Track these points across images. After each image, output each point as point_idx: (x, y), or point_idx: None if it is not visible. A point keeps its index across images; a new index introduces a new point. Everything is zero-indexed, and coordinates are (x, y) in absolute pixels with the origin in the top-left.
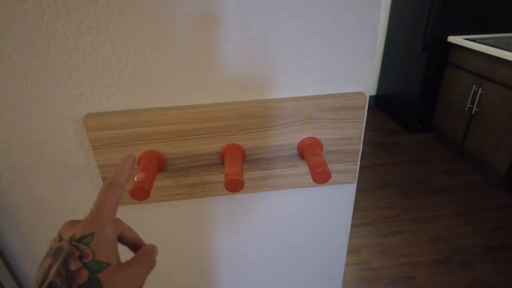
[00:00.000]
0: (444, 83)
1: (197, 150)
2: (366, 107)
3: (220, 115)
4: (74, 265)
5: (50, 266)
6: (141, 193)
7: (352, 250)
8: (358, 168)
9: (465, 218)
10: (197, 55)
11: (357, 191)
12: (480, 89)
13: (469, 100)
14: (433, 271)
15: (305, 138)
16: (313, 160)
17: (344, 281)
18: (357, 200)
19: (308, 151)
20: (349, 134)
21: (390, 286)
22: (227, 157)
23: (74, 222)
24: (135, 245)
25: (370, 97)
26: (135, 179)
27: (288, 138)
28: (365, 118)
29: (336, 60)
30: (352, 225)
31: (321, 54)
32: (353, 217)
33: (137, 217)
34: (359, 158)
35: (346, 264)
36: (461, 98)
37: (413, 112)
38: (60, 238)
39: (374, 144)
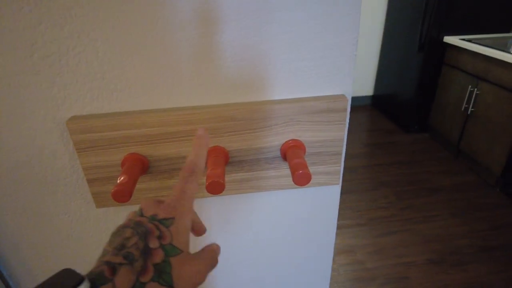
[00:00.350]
0: (440, 83)
1: (180, 152)
2: (348, 110)
3: (203, 118)
4: (152, 243)
5: (129, 237)
6: (122, 196)
7: (347, 250)
8: (341, 169)
9: (460, 218)
10: (179, 58)
11: (353, 191)
12: (476, 89)
13: (465, 100)
14: (427, 271)
15: (288, 140)
16: (294, 162)
17: (339, 281)
18: (352, 200)
19: (290, 153)
20: (331, 136)
21: (384, 286)
22: (209, 160)
23: (157, 202)
24: (200, 233)
25: (367, 97)
26: (118, 181)
27: (271, 140)
28: (348, 120)
29: (318, 63)
30: (348, 225)
31: (302, 58)
32: (349, 217)
33: (122, 219)
34: (343, 160)
35: (341, 264)
36: (457, 98)
37: (409, 112)
38: (141, 214)
39: (371, 144)
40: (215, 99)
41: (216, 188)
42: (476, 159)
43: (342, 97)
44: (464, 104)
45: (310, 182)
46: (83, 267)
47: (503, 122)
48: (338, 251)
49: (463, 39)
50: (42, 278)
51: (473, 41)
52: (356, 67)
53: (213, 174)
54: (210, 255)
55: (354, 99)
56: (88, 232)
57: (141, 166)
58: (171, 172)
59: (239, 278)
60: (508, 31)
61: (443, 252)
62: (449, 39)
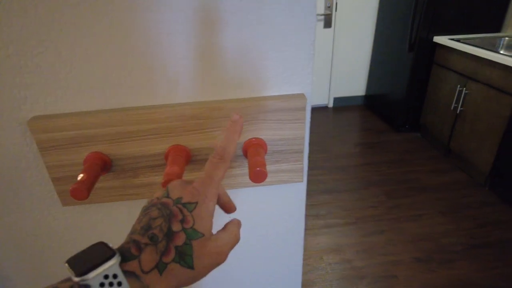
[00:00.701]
0: (430, 83)
1: (143, 151)
2: (308, 108)
3: (165, 117)
4: (175, 226)
5: (155, 218)
6: (80, 193)
7: (335, 249)
8: (304, 167)
9: (448, 217)
10: (141, 59)
11: (343, 190)
12: (465, 88)
13: (454, 100)
14: (414, 270)
15: (250, 139)
16: (251, 160)
17: (327, 279)
18: (342, 200)
19: (250, 151)
20: (292, 135)
21: (372, 285)
22: (169, 158)
23: (184, 185)
24: (229, 211)
25: (359, 97)
26: (78, 179)
27: None
28: (308, 119)
29: (277, 63)
30: (337, 224)
31: (262, 57)
32: (338, 217)
33: (90, 217)
34: (306, 158)
35: (329, 263)
36: (447, 97)
37: (401, 112)
38: (167, 195)
39: (362, 144)
40: (176, 98)
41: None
42: (466, 158)
43: (301, 96)
44: (454, 103)
45: (276, 179)
46: (54, 264)
47: (491, 121)
48: (327, 250)
49: (452, 39)
50: (10, 277)
51: (462, 41)
52: (348, 67)
53: (168, 172)
54: (232, 234)
55: (346, 99)
56: (56, 230)
57: (102, 165)
58: (136, 171)
59: (209, 277)
60: (497, 31)
61: (431, 251)
62: (438, 39)
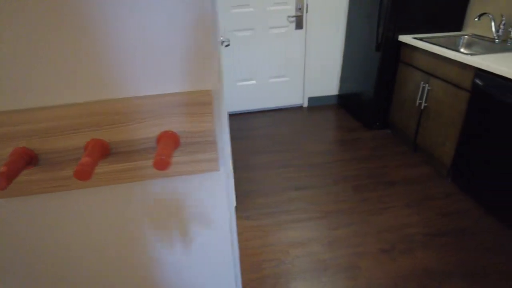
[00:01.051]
0: (397, 81)
1: (66, 145)
2: (215, 103)
3: (82, 113)
4: None
5: None
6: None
7: (302, 243)
8: (220, 157)
9: (413, 208)
10: (57, 59)
11: (313, 186)
12: (427, 85)
13: (418, 96)
14: (378, 260)
15: (163, 132)
16: (157, 151)
17: (292, 272)
18: (311, 195)
19: (160, 143)
20: (203, 127)
21: (334, 276)
22: (86, 150)
23: None
24: None
25: (333, 96)
26: None
27: (147, 132)
28: (215, 113)
29: (184, 60)
30: (305, 219)
31: (169, 54)
32: (307, 212)
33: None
34: (220, 148)
35: (295, 257)
36: (412, 94)
37: (371, 110)
38: None
39: (335, 142)
40: (94, 95)
41: (82, 174)
42: (430, 152)
43: (207, 91)
44: (418, 99)
45: (192, 169)
46: None
47: (451, 116)
48: (294, 244)
49: (416, 38)
50: None
51: (424, 39)
52: (321, 67)
53: (81, 163)
54: None
55: (320, 98)
56: None
57: (28, 159)
58: (62, 164)
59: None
60: (459, 30)
61: (394, 241)
62: (403, 38)
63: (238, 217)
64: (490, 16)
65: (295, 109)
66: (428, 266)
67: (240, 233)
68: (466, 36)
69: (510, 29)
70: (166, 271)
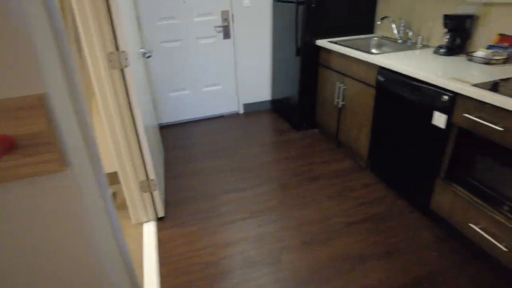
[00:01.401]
0: (318, 83)
1: None
2: (48, 107)
3: None
4: None
5: None
6: None
7: (229, 243)
8: (61, 157)
9: (334, 200)
10: None
11: (244, 189)
12: (343, 85)
13: (336, 96)
14: (299, 252)
15: None
16: None
17: (218, 273)
18: (239, 198)
19: None
20: (38, 129)
21: (261, 271)
22: None
23: None
24: None
25: (267, 102)
26: None
27: None
28: (58, 114)
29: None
30: (234, 221)
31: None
32: (236, 213)
33: None
34: (60, 149)
35: (221, 258)
36: (331, 94)
37: (298, 112)
38: None
39: (266, 144)
40: None
41: None
42: (350, 147)
43: (38, 96)
44: (336, 98)
45: (32, 171)
46: None
47: (363, 112)
48: (221, 246)
49: (331, 41)
50: None
51: (338, 42)
52: (253, 74)
53: None
54: None
55: (256, 104)
56: None
57: None
58: None
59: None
60: (371, 33)
61: (315, 233)
62: (320, 42)
63: (166, 227)
64: (391, 19)
65: (232, 116)
66: (345, 252)
67: (165, 243)
68: (375, 38)
69: (407, 31)
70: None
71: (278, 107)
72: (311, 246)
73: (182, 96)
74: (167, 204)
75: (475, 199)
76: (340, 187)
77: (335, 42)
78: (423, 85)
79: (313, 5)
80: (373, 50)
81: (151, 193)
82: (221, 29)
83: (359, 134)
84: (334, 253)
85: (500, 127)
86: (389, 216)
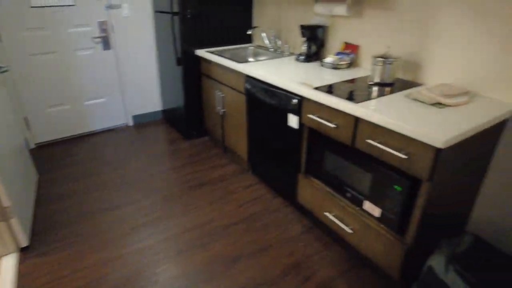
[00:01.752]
0: (203, 91)
1: None
2: None
3: None
4: None
5: None
6: None
7: (101, 265)
8: None
9: (215, 204)
10: None
11: (126, 204)
12: (221, 92)
13: (217, 104)
14: (175, 262)
15: None
16: None
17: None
18: (122, 214)
19: None
20: None
21: (129, 285)
22: None
23: None
24: None
25: (158, 112)
26: None
27: None
28: None
29: None
30: (108, 240)
31: None
32: (112, 231)
33: None
34: None
35: (89, 282)
36: (213, 102)
37: (186, 121)
38: None
39: (155, 156)
40: None
41: None
42: (234, 151)
43: None
44: (217, 106)
45: None
46: None
47: (240, 118)
48: (92, 269)
49: (209, 51)
50: None
51: (215, 52)
52: (140, 85)
53: None
54: None
55: (146, 115)
56: None
57: None
58: None
59: None
60: (250, 42)
61: (193, 239)
62: (199, 52)
63: (30, 257)
64: (260, 30)
65: (121, 129)
66: (221, 254)
67: (27, 275)
68: (252, 48)
69: (277, 40)
70: None
71: (169, 117)
72: (188, 253)
73: (61, 112)
74: (34, 231)
75: (328, 189)
76: (222, 191)
77: (212, 52)
78: (279, 90)
79: (189, 16)
80: (250, 59)
81: (8, 222)
82: (99, 40)
83: (239, 138)
84: (210, 257)
85: (333, 124)
86: (266, 214)
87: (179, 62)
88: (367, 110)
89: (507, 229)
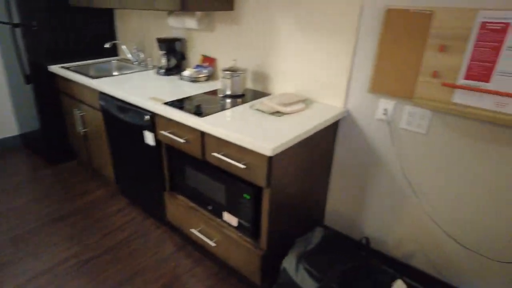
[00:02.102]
0: (63, 111)
1: None
2: None
3: None
4: None
5: None
6: None
7: None
8: None
9: (73, 239)
10: None
11: None
12: (80, 111)
13: (78, 123)
14: None
15: None
16: None
17: None
18: None
19: None
20: None
21: None
22: None
23: None
24: None
25: (13, 137)
26: None
27: None
28: None
29: None
30: None
31: None
32: None
33: None
34: None
35: None
36: (74, 122)
37: (47, 144)
38: None
39: (8, 190)
40: None
41: None
42: (103, 174)
43: None
44: (78, 126)
45: None
46: None
47: (101, 137)
48: None
49: (64, 67)
50: None
51: (72, 68)
52: None
53: None
54: None
55: None
56: None
57: None
58: None
59: None
60: (116, 55)
61: (43, 286)
62: (52, 68)
63: None
64: (120, 43)
65: None
66: None
67: None
68: (115, 61)
69: (139, 53)
70: None
71: (28, 142)
72: None
73: None
74: None
75: (191, 204)
76: (88, 221)
77: (69, 68)
78: (132, 107)
79: (35, 28)
80: (115, 73)
81: None
82: None
83: (105, 159)
84: None
85: (183, 139)
86: (136, 239)
87: (28, 80)
88: (209, 125)
89: (352, 218)
